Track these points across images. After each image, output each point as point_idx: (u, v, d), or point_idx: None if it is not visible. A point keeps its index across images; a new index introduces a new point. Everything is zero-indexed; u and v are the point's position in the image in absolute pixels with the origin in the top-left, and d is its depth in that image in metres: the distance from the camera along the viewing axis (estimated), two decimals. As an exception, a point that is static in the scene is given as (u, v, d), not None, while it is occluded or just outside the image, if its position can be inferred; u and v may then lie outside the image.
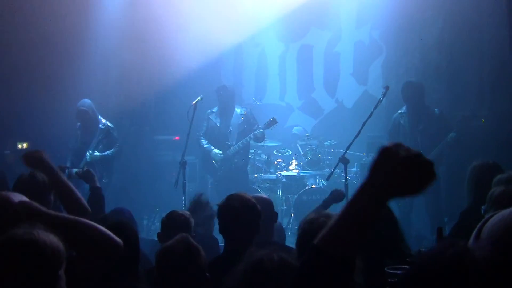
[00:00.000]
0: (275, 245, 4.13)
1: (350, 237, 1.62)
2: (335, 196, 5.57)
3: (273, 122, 8.50)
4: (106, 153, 8.41)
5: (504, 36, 8.44)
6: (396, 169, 1.58)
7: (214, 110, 8.85)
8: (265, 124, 8.52)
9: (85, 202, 3.59)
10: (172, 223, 4.27)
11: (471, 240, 1.94)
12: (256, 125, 8.67)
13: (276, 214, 4.56)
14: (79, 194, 3.54)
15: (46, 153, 3.52)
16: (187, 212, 4.42)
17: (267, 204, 4.49)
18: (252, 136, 8.53)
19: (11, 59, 9.94)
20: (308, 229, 3.13)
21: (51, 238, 2.25)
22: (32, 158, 3.52)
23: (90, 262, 2.59)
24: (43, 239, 2.20)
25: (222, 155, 8.64)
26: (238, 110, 8.80)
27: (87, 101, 8.48)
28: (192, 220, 4.35)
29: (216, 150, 8.69)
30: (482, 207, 3.70)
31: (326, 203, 5.49)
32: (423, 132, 7.87)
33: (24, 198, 2.85)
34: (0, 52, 9.90)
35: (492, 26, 8.76)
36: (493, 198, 3.55)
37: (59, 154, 8.84)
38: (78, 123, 8.58)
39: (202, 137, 8.82)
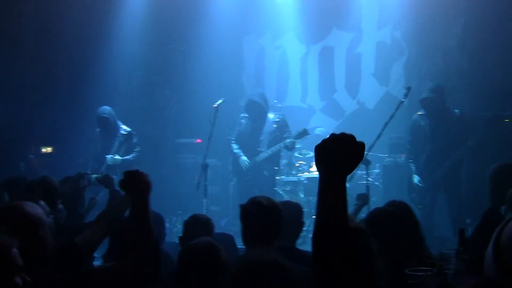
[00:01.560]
0: (296, 252, 4.14)
1: (334, 214, 1.91)
2: (362, 199, 5.79)
3: (304, 133, 8.35)
4: (127, 157, 8.47)
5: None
6: (330, 153, 1.92)
7: (247, 115, 8.76)
8: (296, 134, 8.40)
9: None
10: (194, 226, 4.29)
11: (490, 245, 1.92)
12: (288, 133, 8.60)
13: (302, 224, 4.47)
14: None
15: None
16: (208, 216, 4.45)
17: (296, 211, 4.43)
18: (282, 145, 8.46)
19: (36, 65, 10.08)
20: None
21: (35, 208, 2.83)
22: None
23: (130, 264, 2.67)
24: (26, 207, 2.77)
25: (248, 164, 8.58)
26: (271, 116, 8.68)
27: (107, 108, 8.55)
28: (214, 224, 4.37)
29: (244, 158, 8.60)
30: (502, 207, 3.67)
31: (358, 207, 5.68)
32: (444, 134, 7.81)
33: (38, 208, 2.92)
34: (25, 58, 10.04)
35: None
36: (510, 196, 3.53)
37: (82, 159, 8.94)
38: (98, 129, 8.64)
39: (233, 141, 8.74)
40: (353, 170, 1.96)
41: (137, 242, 2.76)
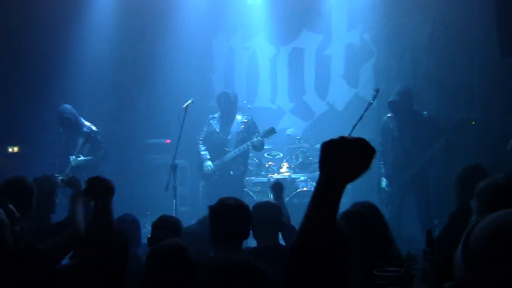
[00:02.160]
0: (280, 250, 4.15)
1: (322, 224, 1.80)
2: (275, 188, 5.86)
3: (271, 131, 8.42)
4: (90, 157, 8.33)
5: (493, 39, 8.48)
6: (339, 155, 1.79)
7: (216, 115, 8.77)
8: (263, 132, 8.44)
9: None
10: (162, 227, 4.27)
11: (460, 245, 1.94)
12: (256, 134, 8.60)
13: (282, 224, 4.50)
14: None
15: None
16: (176, 217, 4.42)
17: (274, 211, 4.46)
18: (250, 144, 8.48)
19: (0, 63, 9.91)
20: None
21: None
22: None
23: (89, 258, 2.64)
24: None
25: (211, 170, 8.59)
26: (239, 117, 8.71)
27: (67, 106, 8.37)
28: (182, 225, 4.35)
29: (208, 163, 8.62)
30: (471, 201, 3.74)
31: (279, 198, 5.66)
32: (412, 136, 7.89)
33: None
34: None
35: (481, 29, 8.80)
36: (477, 191, 3.59)
37: (50, 159, 8.82)
38: (61, 129, 8.51)
39: (200, 142, 8.75)
40: (358, 178, 1.84)
41: (100, 245, 2.75)
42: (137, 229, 4.94)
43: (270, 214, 4.32)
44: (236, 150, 8.51)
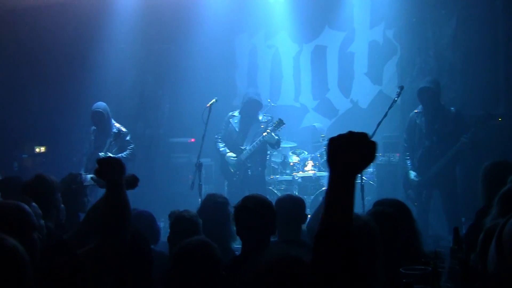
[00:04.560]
0: (302, 244, 4.15)
1: (341, 213, 1.86)
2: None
3: (280, 123, 8.35)
4: (119, 155, 8.34)
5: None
6: (345, 150, 1.89)
7: (236, 114, 8.79)
8: (273, 127, 8.39)
9: None
10: (180, 225, 4.27)
11: (493, 242, 1.93)
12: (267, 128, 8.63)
13: (306, 216, 4.58)
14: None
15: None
16: (195, 214, 4.41)
17: (297, 204, 4.56)
18: (262, 139, 8.48)
19: (28, 65, 10.04)
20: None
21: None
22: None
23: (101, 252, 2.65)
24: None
25: (236, 158, 8.63)
26: (260, 117, 8.72)
27: (102, 103, 8.48)
28: (200, 222, 4.35)
29: (230, 154, 8.65)
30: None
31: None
32: (439, 131, 7.83)
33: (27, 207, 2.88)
34: (17, 58, 10.01)
35: (506, 24, 8.71)
36: (499, 196, 3.54)
37: (76, 158, 8.91)
38: (92, 128, 8.57)
39: (219, 140, 8.77)
40: (364, 169, 1.97)
41: (113, 222, 2.79)
42: (153, 225, 4.93)
43: (291, 208, 4.41)
44: (250, 147, 8.50)
